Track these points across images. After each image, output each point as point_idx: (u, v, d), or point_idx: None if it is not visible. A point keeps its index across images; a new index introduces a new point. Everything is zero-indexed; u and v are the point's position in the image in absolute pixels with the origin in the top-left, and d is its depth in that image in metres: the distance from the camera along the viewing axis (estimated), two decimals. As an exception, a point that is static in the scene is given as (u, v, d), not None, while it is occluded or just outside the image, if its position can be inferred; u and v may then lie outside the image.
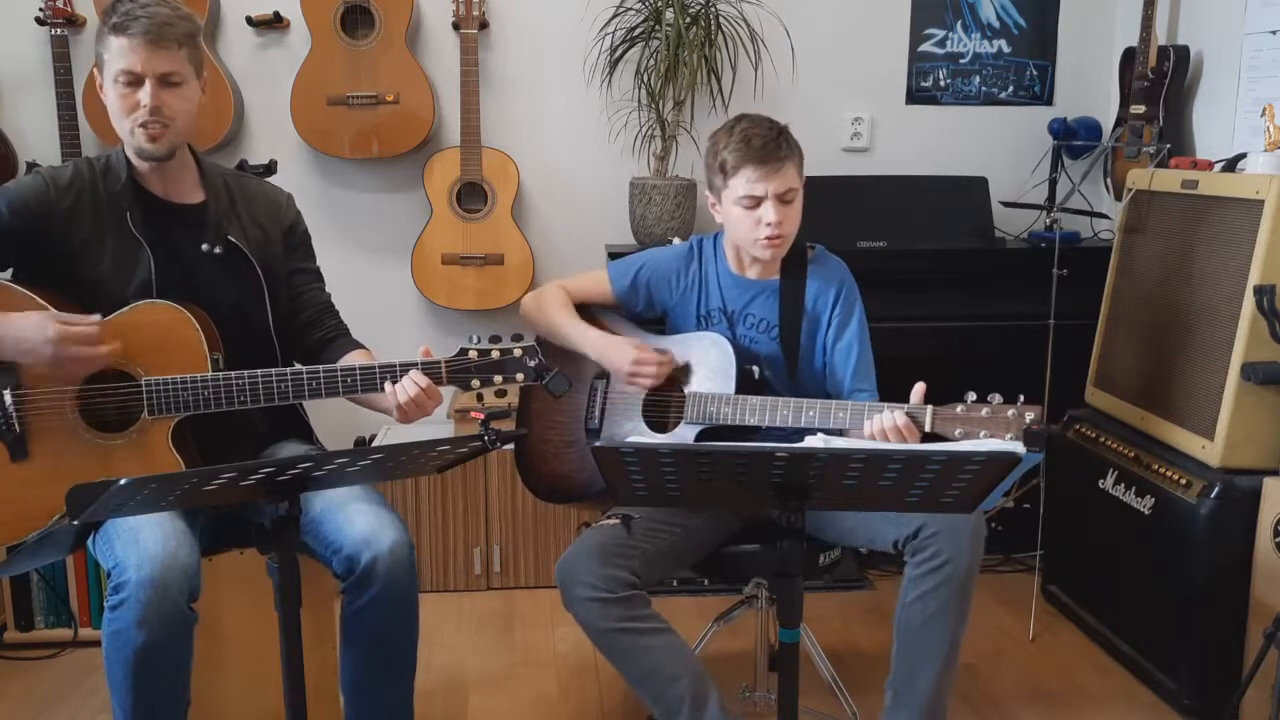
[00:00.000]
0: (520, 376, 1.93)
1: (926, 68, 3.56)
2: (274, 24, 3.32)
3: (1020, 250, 3.40)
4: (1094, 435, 2.93)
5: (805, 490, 1.56)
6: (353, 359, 2.13)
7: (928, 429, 1.95)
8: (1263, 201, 2.43)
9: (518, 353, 1.93)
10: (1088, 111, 3.55)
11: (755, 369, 2.24)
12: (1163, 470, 2.62)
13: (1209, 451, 2.53)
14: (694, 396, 2.21)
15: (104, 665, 1.81)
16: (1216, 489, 2.45)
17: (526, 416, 2.42)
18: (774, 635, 2.19)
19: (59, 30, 3.14)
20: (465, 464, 2.22)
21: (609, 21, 3.28)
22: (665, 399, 2.28)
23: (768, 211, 2.16)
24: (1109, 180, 3.41)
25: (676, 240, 3.12)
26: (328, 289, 2.28)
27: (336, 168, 3.43)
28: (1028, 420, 1.88)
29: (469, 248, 3.32)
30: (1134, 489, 2.71)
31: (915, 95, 3.57)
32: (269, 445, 2.20)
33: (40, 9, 3.15)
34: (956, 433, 1.92)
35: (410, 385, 1.92)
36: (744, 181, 2.16)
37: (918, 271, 3.21)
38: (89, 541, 1.96)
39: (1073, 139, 3.45)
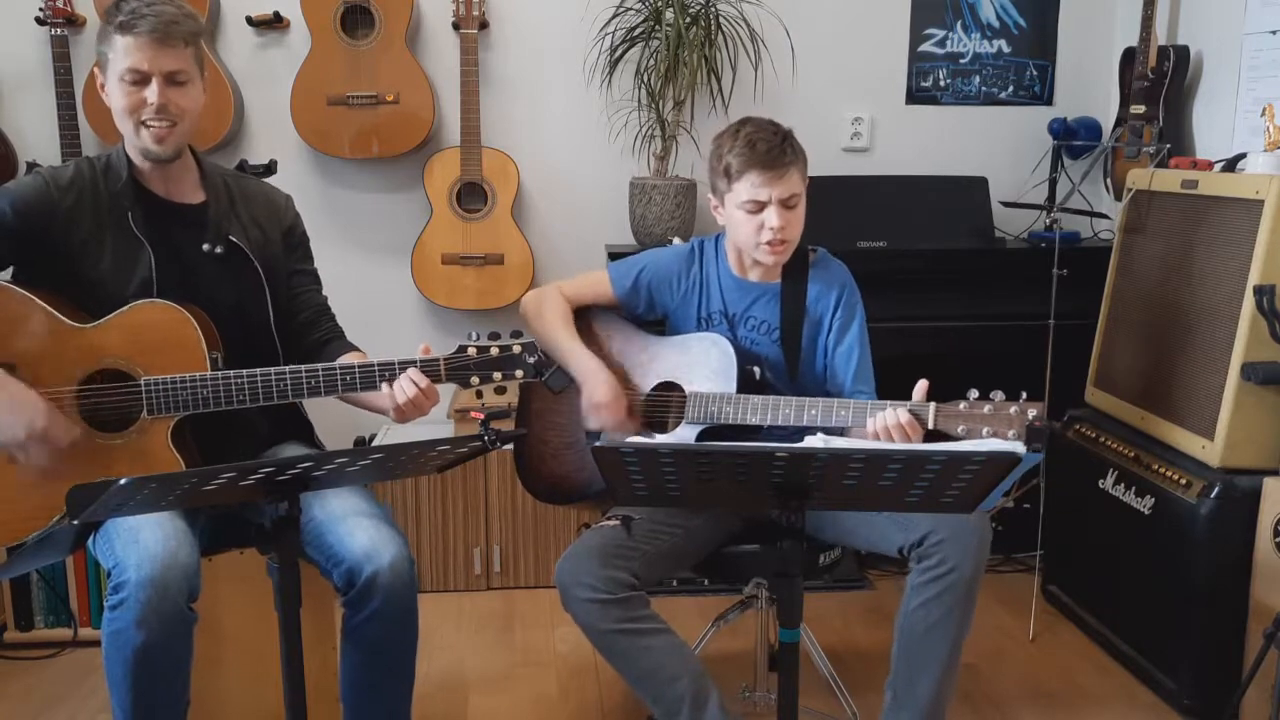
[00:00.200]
0: (520, 373, 1.92)
1: (926, 68, 3.56)
2: (274, 24, 3.32)
3: (1020, 250, 3.40)
4: (1094, 435, 2.93)
5: (805, 490, 1.56)
6: (349, 361, 2.12)
7: (931, 426, 1.95)
8: (1263, 201, 2.43)
9: (517, 349, 1.92)
10: (1088, 111, 3.55)
11: (756, 370, 2.24)
12: (1163, 470, 2.62)
13: (1209, 451, 2.53)
14: (695, 396, 2.20)
15: (104, 665, 1.81)
16: (1216, 489, 2.45)
17: (526, 417, 2.42)
18: (774, 635, 2.18)
19: (59, 30, 3.14)
20: (465, 464, 2.21)
21: (609, 21, 3.28)
22: (665, 399, 2.28)
23: (771, 216, 2.15)
24: (1109, 180, 3.41)
25: (676, 240, 3.12)
26: (326, 290, 2.28)
27: (336, 168, 3.43)
28: (1030, 417, 1.88)
29: (469, 248, 3.32)
30: (1134, 489, 2.71)
31: (915, 95, 3.57)
32: (270, 446, 2.20)
33: (40, 9, 3.15)
34: (959, 429, 1.92)
35: (408, 385, 1.91)
36: (748, 186, 2.15)
37: (918, 271, 3.21)
38: (89, 541, 1.96)
39: (1073, 139, 3.45)
